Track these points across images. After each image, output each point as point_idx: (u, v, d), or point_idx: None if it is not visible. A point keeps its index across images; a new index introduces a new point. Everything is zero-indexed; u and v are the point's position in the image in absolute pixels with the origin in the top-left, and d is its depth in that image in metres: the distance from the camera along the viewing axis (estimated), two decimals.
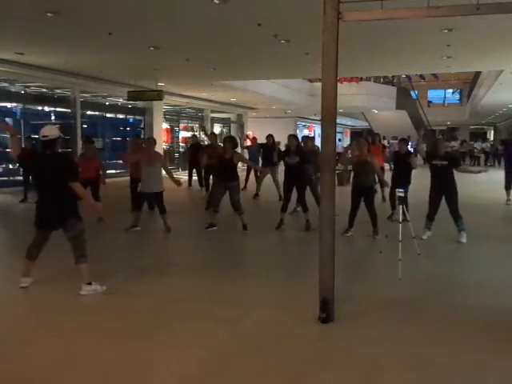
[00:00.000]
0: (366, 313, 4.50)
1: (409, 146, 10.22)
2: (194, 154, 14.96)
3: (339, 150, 23.58)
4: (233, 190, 8.12)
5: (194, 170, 14.86)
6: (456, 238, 7.39)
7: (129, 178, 10.13)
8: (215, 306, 4.65)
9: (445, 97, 44.40)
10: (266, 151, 12.12)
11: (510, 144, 12.16)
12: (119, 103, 19.57)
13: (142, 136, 17.70)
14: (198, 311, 4.51)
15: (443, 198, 7.41)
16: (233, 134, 25.42)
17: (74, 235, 4.88)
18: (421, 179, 8.69)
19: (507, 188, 11.64)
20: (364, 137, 13.02)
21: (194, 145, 15.01)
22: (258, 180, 12.81)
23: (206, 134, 12.51)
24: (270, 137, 12.12)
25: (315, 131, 34.59)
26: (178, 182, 8.07)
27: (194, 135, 16.76)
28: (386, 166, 11.38)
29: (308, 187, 8.81)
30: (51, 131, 4.90)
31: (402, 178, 8.58)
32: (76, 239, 4.89)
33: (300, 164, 8.25)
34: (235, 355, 3.66)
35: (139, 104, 19.28)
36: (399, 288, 5.22)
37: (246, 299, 4.87)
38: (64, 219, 4.85)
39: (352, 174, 8.32)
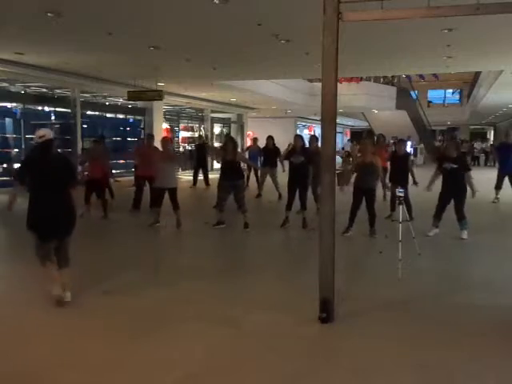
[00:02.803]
0: (366, 313, 4.50)
1: (408, 146, 10.27)
2: (200, 154, 15.14)
3: (347, 149, 23.41)
4: (238, 187, 8.33)
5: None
6: (457, 236, 7.43)
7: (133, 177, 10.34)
8: (215, 306, 4.65)
9: (445, 97, 44.34)
10: (267, 153, 12.17)
11: (502, 147, 12.32)
12: (119, 103, 19.56)
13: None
14: (198, 311, 4.51)
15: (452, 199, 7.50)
16: (233, 134, 25.42)
17: (67, 240, 4.73)
18: (423, 180, 8.69)
19: (497, 188, 11.85)
20: (365, 137, 13.01)
21: (200, 145, 15.15)
22: (260, 181, 12.81)
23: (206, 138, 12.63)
24: (270, 138, 12.10)
25: (315, 131, 34.55)
26: None
27: (201, 136, 16.86)
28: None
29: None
30: (46, 131, 4.78)
31: (399, 178, 8.59)
32: (67, 244, 4.74)
33: (305, 164, 8.34)
34: (235, 355, 3.67)
35: (139, 104, 19.25)
36: (399, 288, 5.22)
37: (246, 299, 4.87)
38: (67, 226, 4.66)
39: (354, 175, 8.33)
